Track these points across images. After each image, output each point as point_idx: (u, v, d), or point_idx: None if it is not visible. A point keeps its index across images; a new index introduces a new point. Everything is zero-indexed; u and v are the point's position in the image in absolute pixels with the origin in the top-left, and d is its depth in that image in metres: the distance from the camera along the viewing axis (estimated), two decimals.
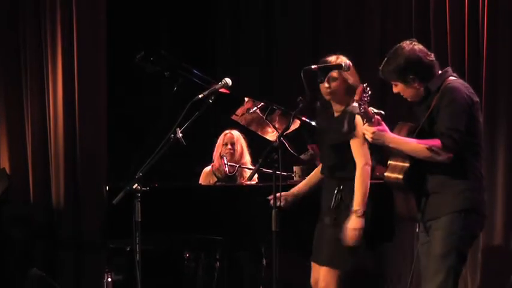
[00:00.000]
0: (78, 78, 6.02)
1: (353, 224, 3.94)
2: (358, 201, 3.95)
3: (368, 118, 3.58)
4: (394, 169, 3.67)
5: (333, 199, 4.00)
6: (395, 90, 3.73)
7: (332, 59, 4.05)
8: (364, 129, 3.63)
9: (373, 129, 3.58)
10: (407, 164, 3.63)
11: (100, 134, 6.06)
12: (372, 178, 4.55)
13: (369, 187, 3.98)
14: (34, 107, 6.12)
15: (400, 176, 3.63)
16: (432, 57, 3.72)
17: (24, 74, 6.19)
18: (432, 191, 3.65)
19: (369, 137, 3.62)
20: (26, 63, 6.18)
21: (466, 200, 3.58)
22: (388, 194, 4.86)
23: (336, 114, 4.13)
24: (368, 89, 3.55)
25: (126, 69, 5.59)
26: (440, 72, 3.68)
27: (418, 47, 3.69)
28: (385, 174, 3.70)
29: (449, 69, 3.74)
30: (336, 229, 3.98)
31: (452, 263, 3.57)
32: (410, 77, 3.63)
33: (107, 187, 5.01)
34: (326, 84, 4.02)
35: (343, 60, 4.02)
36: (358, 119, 3.98)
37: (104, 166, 6.00)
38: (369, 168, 4.00)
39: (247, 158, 5.47)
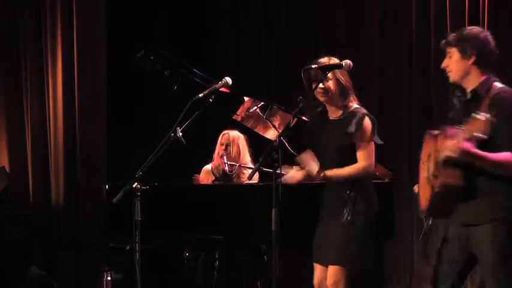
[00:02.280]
0: (78, 78, 6.02)
1: (314, 171, 4.02)
2: (337, 173, 4.00)
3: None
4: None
5: (347, 200, 3.99)
6: (444, 63, 3.65)
7: (324, 60, 4.03)
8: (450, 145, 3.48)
9: (462, 146, 3.42)
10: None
11: (100, 133, 6.06)
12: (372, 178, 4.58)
13: (348, 177, 3.99)
14: (34, 107, 6.12)
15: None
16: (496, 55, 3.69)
17: (24, 73, 6.19)
18: (477, 195, 3.57)
19: (456, 153, 3.44)
20: (26, 62, 6.18)
21: (505, 209, 3.54)
22: (388, 193, 4.90)
23: (333, 117, 4.11)
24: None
25: (126, 68, 5.59)
26: (486, 76, 3.64)
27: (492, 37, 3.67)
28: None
29: (491, 75, 3.68)
30: (349, 228, 3.99)
31: (508, 267, 3.55)
32: (468, 50, 3.58)
33: (107, 186, 5.00)
34: (321, 85, 4.00)
35: (335, 60, 4.01)
36: (366, 121, 4.00)
37: (104, 165, 6.01)
38: (367, 170, 4.01)
39: (246, 159, 5.46)
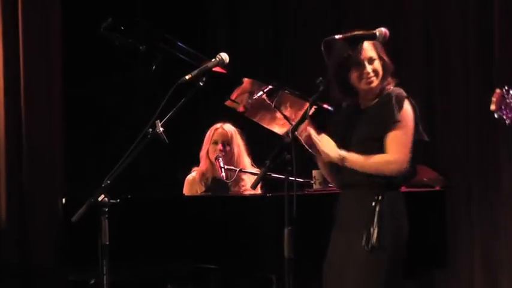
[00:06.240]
0: (24, 53, 5.98)
1: (330, 150, 4.01)
2: (357, 159, 3.98)
3: None
4: None
5: (373, 214, 3.96)
6: None
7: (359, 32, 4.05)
8: None
9: None
10: None
11: (53, 128, 6.03)
12: (415, 185, 4.54)
13: (367, 168, 3.98)
14: None
15: None
16: None
17: None
18: None
19: None
20: None
21: None
22: (439, 205, 4.87)
23: (365, 105, 4.11)
24: (510, 91, 3.65)
25: (88, 42, 5.56)
26: None
27: None
28: None
29: None
30: (374, 254, 3.94)
31: None
32: None
33: (63, 199, 4.97)
34: (369, 69, 4.01)
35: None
36: (407, 105, 4.00)
37: (59, 171, 5.98)
38: (398, 167, 3.96)
39: (246, 161, 5.49)
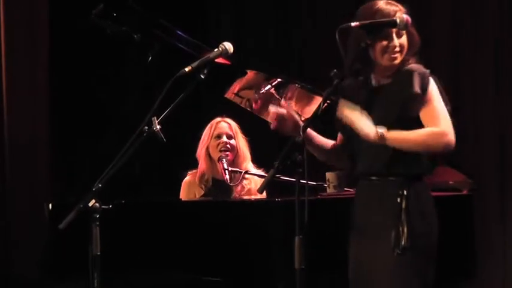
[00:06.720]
0: (6, 40, 5.98)
1: (367, 127, 3.91)
2: (400, 135, 3.92)
3: None
4: None
5: (400, 212, 3.93)
6: None
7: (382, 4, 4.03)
8: None
9: None
10: None
11: (39, 124, 6.03)
12: (440, 189, 4.52)
13: (420, 145, 3.93)
14: None
15: None
16: None
17: None
18: None
19: None
20: None
21: None
22: (467, 210, 4.85)
23: (379, 82, 4.09)
24: None
25: (78, 30, 5.55)
26: None
27: None
28: None
29: None
30: (403, 256, 3.91)
31: None
32: None
33: (50, 204, 4.96)
34: (396, 43, 4.00)
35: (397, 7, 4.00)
36: (432, 80, 3.98)
37: (45, 172, 5.97)
38: (446, 139, 3.91)
39: (249, 164, 5.54)
